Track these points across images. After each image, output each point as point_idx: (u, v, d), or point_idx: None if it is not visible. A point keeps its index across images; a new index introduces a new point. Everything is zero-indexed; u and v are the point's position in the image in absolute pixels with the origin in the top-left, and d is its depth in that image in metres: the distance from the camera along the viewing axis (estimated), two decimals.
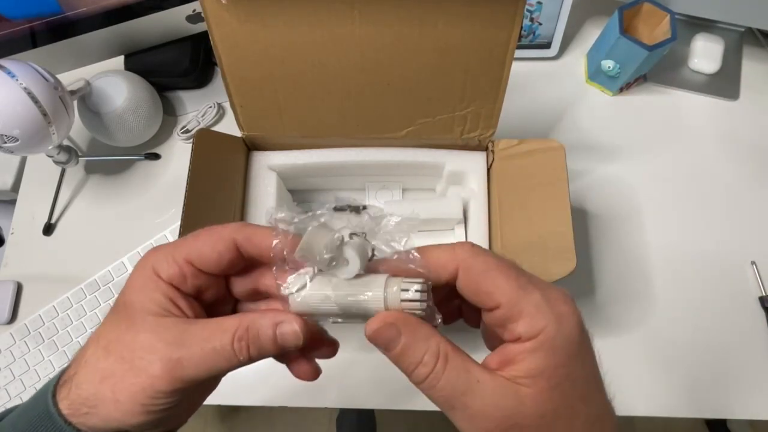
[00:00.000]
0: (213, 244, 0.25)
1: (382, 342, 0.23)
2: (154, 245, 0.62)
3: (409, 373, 0.23)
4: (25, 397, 0.59)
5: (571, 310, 0.22)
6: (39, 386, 0.59)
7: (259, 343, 0.24)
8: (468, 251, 0.23)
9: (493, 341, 0.25)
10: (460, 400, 0.22)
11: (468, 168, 0.54)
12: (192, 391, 0.24)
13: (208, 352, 0.23)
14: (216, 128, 0.72)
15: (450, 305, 0.26)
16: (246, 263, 0.26)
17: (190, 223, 0.44)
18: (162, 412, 0.23)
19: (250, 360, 0.24)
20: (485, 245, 0.53)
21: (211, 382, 0.27)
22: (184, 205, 0.44)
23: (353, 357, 0.59)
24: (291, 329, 0.24)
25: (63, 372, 0.25)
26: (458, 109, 0.49)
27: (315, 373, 0.29)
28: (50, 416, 0.23)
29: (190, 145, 0.47)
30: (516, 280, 0.22)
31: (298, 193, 0.62)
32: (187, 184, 0.45)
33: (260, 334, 0.24)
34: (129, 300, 0.24)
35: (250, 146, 0.55)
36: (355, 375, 0.59)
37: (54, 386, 0.24)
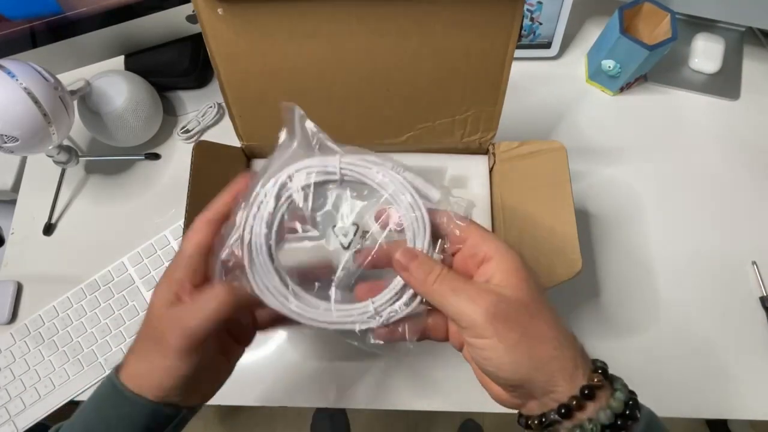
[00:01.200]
0: (207, 234, 0.33)
1: (405, 258, 0.31)
2: (154, 245, 0.63)
3: (423, 278, 0.30)
4: (26, 397, 0.59)
5: (515, 248, 0.31)
6: (39, 386, 0.59)
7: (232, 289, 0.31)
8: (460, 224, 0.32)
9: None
10: (461, 289, 0.30)
11: (470, 171, 0.54)
12: (204, 357, 0.31)
13: (200, 307, 0.30)
14: (216, 128, 0.72)
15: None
16: None
17: None
18: (182, 377, 0.31)
19: (234, 305, 0.30)
20: None
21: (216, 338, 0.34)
22: (185, 216, 0.44)
23: (353, 358, 0.59)
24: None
25: (120, 363, 0.33)
26: (458, 113, 0.49)
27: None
28: (115, 388, 0.31)
29: (191, 145, 0.47)
30: (478, 226, 0.32)
31: None
32: (187, 195, 0.44)
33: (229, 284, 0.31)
34: (151, 300, 0.33)
35: (250, 155, 0.55)
36: (356, 375, 0.59)
37: (115, 371, 0.33)
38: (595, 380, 0.27)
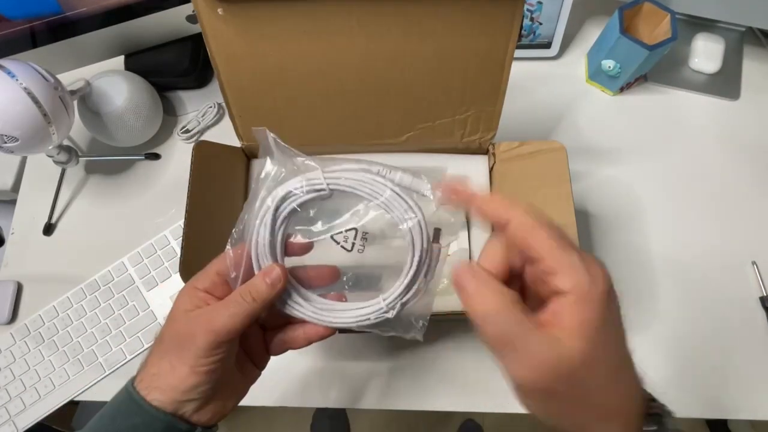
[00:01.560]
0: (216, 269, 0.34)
1: (459, 282, 0.27)
2: (154, 245, 0.63)
3: (474, 312, 0.27)
4: (26, 397, 0.59)
5: (603, 271, 0.26)
6: (39, 386, 0.59)
7: (256, 288, 0.32)
8: (523, 207, 0.27)
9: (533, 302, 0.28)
10: (511, 345, 0.25)
11: (470, 171, 0.54)
12: (226, 359, 0.32)
13: (226, 306, 0.32)
14: (216, 128, 0.72)
15: None
16: None
17: (192, 234, 0.44)
18: (206, 374, 0.31)
19: (256, 303, 0.32)
20: None
21: (236, 355, 0.35)
22: (185, 216, 0.44)
23: (353, 358, 0.59)
24: (275, 273, 0.33)
25: (138, 369, 0.34)
26: (458, 113, 0.49)
27: (327, 330, 0.35)
28: (130, 395, 0.32)
29: (191, 145, 0.47)
30: (557, 240, 0.25)
31: None
32: (188, 195, 0.45)
33: (256, 283, 0.32)
34: (174, 308, 0.34)
35: (250, 155, 0.55)
36: (356, 375, 0.59)
37: (132, 378, 0.33)
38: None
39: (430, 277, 0.34)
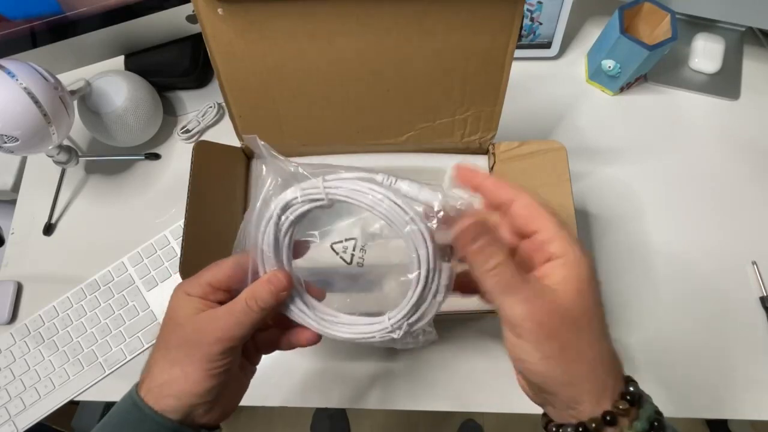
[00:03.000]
0: (224, 270, 0.34)
1: (468, 237, 0.29)
2: (154, 245, 0.63)
3: (481, 264, 0.29)
4: (26, 397, 0.59)
5: (588, 253, 0.29)
6: (39, 386, 0.59)
7: (260, 295, 0.32)
8: (526, 192, 0.30)
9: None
10: (514, 288, 0.28)
11: None
12: (234, 361, 0.33)
13: (233, 314, 0.32)
14: (216, 128, 0.72)
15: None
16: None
17: (192, 234, 0.44)
18: (219, 376, 0.32)
19: (262, 311, 0.32)
20: None
21: (241, 355, 0.35)
22: (185, 216, 0.44)
23: (353, 358, 0.59)
24: (277, 279, 0.33)
25: (140, 379, 0.33)
26: (458, 113, 0.49)
27: (315, 336, 0.36)
28: (136, 405, 0.32)
29: (191, 145, 0.47)
30: (555, 219, 0.30)
31: None
32: (187, 195, 0.44)
33: (259, 289, 0.33)
34: (172, 314, 0.33)
35: (250, 155, 0.55)
36: (356, 376, 0.59)
37: (135, 387, 0.33)
38: (620, 407, 0.27)
39: (439, 297, 0.32)
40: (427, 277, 0.31)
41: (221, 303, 0.34)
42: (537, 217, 0.30)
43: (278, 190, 0.31)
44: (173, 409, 0.32)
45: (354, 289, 0.36)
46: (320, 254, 0.35)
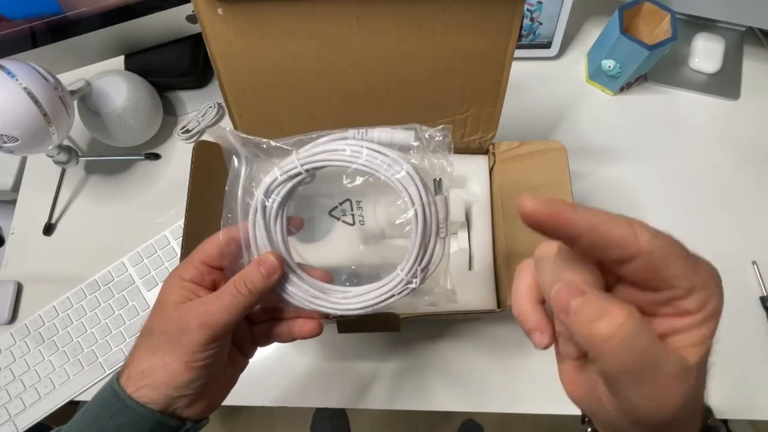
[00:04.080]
0: (215, 245, 0.32)
1: (559, 305, 0.21)
2: (154, 245, 0.63)
3: (587, 331, 0.19)
4: (26, 397, 0.59)
5: (720, 282, 0.21)
6: (39, 386, 0.59)
7: (250, 278, 0.31)
8: (649, 232, 0.21)
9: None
10: (649, 371, 0.19)
11: (469, 171, 0.54)
12: (220, 353, 0.31)
13: (220, 298, 0.31)
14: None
15: None
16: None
17: (192, 234, 0.44)
18: (201, 369, 0.30)
19: (251, 294, 0.31)
20: (489, 248, 0.53)
21: (228, 344, 0.33)
22: (185, 216, 0.44)
23: (353, 358, 0.59)
24: (269, 261, 0.31)
25: (122, 365, 0.32)
26: (458, 113, 0.49)
27: (318, 327, 0.34)
28: (116, 394, 0.30)
29: (191, 145, 0.47)
30: (687, 258, 0.21)
31: None
32: (187, 195, 0.45)
33: (249, 272, 0.31)
34: (162, 299, 0.32)
35: None
36: (356, 375, 0.59)
37: (117, 374, 0.32)
38: None
39: (443, 233, 0.31)
40: (424, 213, 0.30)
41: (216, 288, 0.32)
42: (669, 266, 0.20)
43: (254, 176, 0.31)
44: (152, 399, 0.30)
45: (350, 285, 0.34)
46: (324, 225, 0.34)
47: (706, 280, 0.21)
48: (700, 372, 0.21)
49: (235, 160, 0.32)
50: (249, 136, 0.31)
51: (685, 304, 0.21)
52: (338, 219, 0.34)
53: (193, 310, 0.31)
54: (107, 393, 0.31)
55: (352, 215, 0.34)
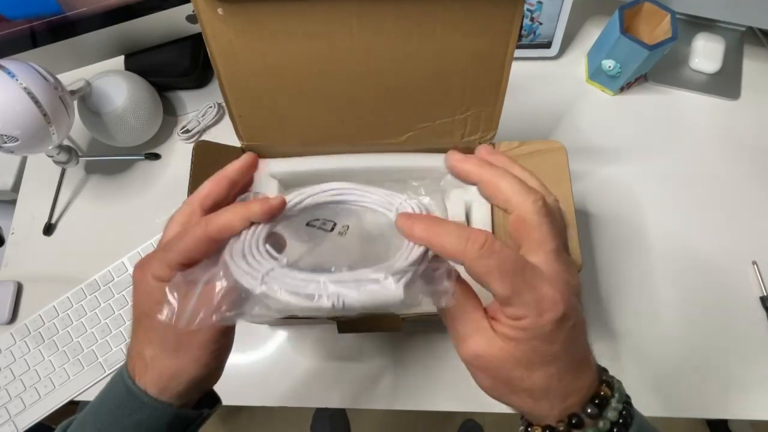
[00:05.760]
0: (197, 245, 0.29)
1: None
2: (154, 245, 0.63)
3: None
4: (26, 397, 0.59)
5: (556, 309, 0.25)
6: (39, 386, 0.59)
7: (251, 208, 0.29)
8: (475, 252, 0.25)
9: None
10: (460, 324, 0.28)
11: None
12: (231, 332, 0.31)
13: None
14: (216, 128, 0.72)
15: None
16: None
17: None
18: (215, 359, 0.31)
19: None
20: None
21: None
22: None
23: (353, 358, 0.59)
24: (277, 199, 0.30)
25: (127, 359, 0.32)
26: (458, 113, 0.49)
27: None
28: (130, 391, 0.30)
29: (191, 145, 0.47)
30: (511, 284, 0.25)
31: None
32: (187, 195, 0.44)
33: (251, 205, 0.30)
34: (144, 309, 0.30)
35: None
36: (355, 375, 0.59)
37: (125, 370, 0.31)
38: (588, 411, 0.27)
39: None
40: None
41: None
42: (488, 281, 0.25)
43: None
44: (170, 397, 0.30)
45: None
46: (297, 234, 0.32)
47: (530, 303, 0.25)
48: (507, 354, 0.26)
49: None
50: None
51: (503, 310, 0.26)
52: (314, 227, 0.33)
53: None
54: (119, 388, 0.31)
55: (333, 224, 0.33)
